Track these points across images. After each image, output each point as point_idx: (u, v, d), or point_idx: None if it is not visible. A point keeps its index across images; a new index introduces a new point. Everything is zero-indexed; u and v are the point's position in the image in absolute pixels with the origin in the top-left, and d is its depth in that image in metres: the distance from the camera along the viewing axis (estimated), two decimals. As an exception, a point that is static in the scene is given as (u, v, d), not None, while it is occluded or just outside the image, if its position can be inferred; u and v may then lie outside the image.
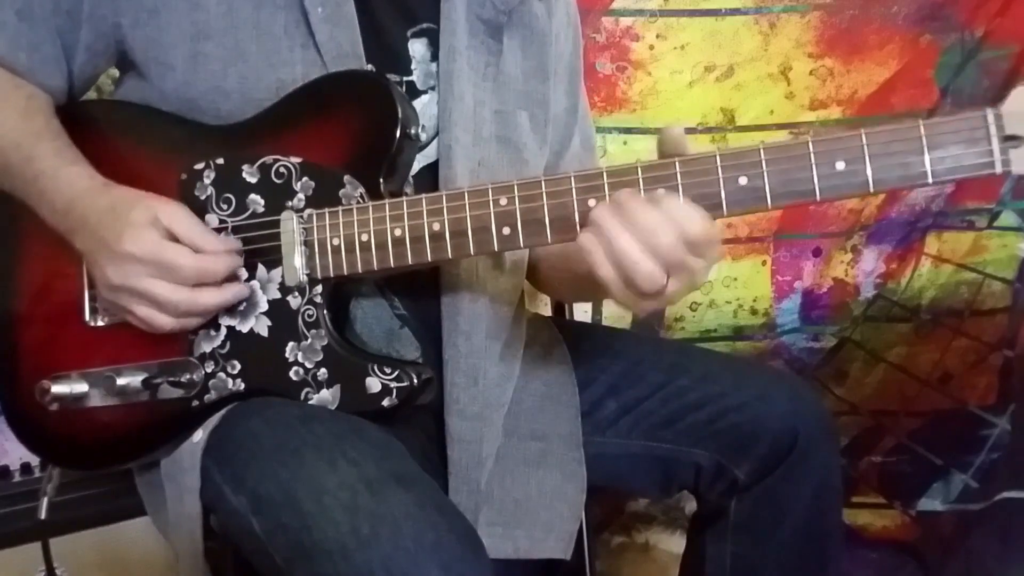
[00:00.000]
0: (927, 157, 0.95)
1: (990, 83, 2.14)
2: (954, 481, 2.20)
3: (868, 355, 2.25)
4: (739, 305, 2.20)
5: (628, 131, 2.13)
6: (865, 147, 0.96)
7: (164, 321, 1.14)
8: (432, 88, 1.28)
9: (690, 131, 2.15)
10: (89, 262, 1.18)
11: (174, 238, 1.13)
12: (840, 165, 0.96)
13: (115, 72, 1.36)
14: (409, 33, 1.28)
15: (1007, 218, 2.19)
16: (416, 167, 1.26)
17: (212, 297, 1.14)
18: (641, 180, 1.02)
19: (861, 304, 2.24)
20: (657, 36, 2.11)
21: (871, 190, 0.96)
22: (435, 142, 1.27)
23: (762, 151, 0.98)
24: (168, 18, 1.21)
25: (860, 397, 2.25)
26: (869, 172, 0.96)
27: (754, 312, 2.21)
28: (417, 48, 1.28)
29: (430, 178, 1.26)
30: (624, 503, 2.27)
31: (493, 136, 1.30)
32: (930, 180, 0.95)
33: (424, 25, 1.29)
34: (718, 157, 0.99)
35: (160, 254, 1.11)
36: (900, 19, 2.14)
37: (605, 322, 2.14)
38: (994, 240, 2.19)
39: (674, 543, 2.25)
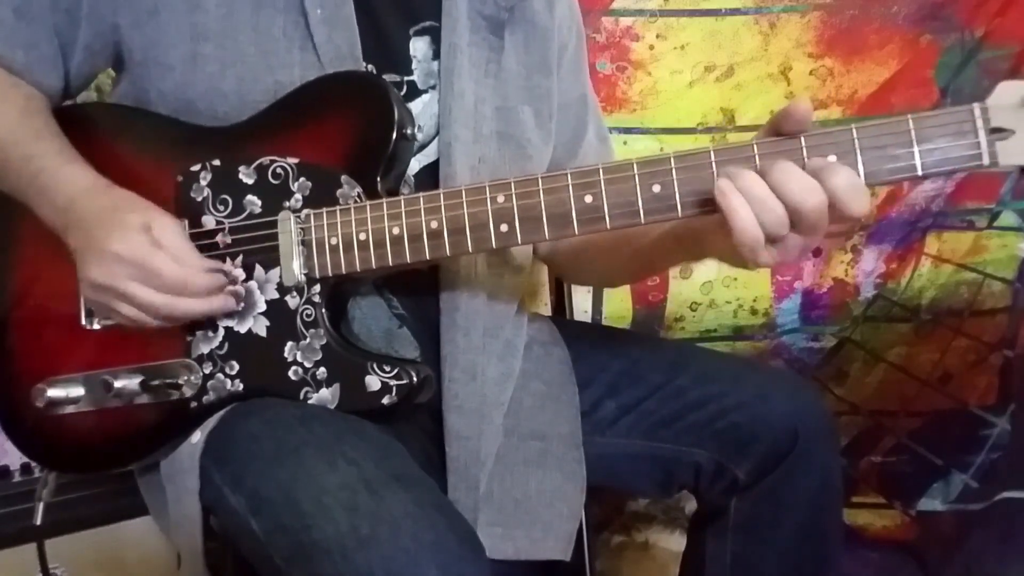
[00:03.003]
0: (916, 150, 0.95)
1: (990, 83, 2.12)
2: (954, 481, 2.20)
3: (868, 355, 2.25)
4: (739, 305, 2.20)
5: (628, 131, 2.13)
6: (855, 141, 0.96)
7: (147, 320, 1.14)
8: (433, 87, 1.28)
9: (690, 131, 2.15)
10: (78, 260, 1.17)
11: (160, 249, 1.13)
12: (831, 159, 0.97)
13: (115, 73, 1.36)
14: (411, 32, 1.28)
15: (1007, 218, 2.18)
16: (416, 167, 1.26)
17: (194, 305, 1.14)
18: (637, 176, 1.02)
19: (861, 304, 2.23)
20: (657, 36, 2.11)
21: (863, 183, 0.96)
22: (435, 142, 1.27)
23: (755, 147, 0.98)
24: (168, 19, 1.22)
25: (860, 397, 2.25)
26: (860, 166, 0.96)
27: (754, 312, 2.21)
28: (419, 47, 1.28)
29: (431, 178, 1.26)
30: (624, 503, 2.27)
31: (494, 133, 1.30)
32: (920, 173, 0.96)
33: (426, 23, 1.29)
34: (712, 153, 0.99)
35: (143, 258, 1.11)
36: (900, 19, 2.14)
37: (605, 322, 2.15)
38: (994, 240, 2.19)
39: (674, 542, 2.25)
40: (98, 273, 1.13)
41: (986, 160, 0.94)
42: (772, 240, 0.97)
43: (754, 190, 0.95)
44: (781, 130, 1.00)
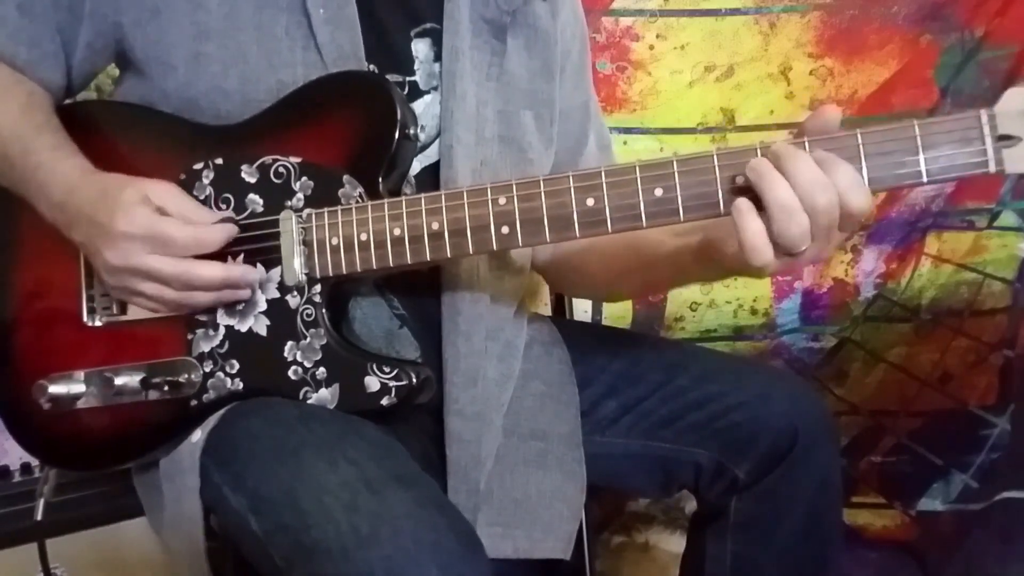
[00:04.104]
0: (922, 157, 0.95)
1: (990, 83, 2.14)
2: (954, 481, 2.20)
3: (868, 355, 2.25)
4: (739, 305, 2.20)
5: (628, 131, 2.13)
6: (861, 147, 0.96)
7: (172, 295, 1.14)
8: (434, 88, 1.28)
9: (690, 131, 2.15)
10: (88, 251, 1.18)
11: (166, 215, 1.13)
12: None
13: (115, 72, 1.36)
14: (412, 33, 1.28)
15: (1007, 218, 2.19)
16: (417, 167, 1.26)
17: (216, 271, 1.14)
18: (639, 179, 1.02)
19: (861, 304, 2.24)
20: (657, 36, 2.12)
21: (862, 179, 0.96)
22: (436, 143, 1.27)
23: (759, 152, 0.98)
24: (170, 18, 1.21)
25: (860, 397, 2.25)
26: (865, 171, 0.96)
27: (754, 312, 2.21)
28: (420, 48, 1.28)
29: (432, 179, 1.25)
30: (624, 503, 2.27)
31: (496, 136, 1.29)
32: (925, 180, 0.95)
33: (427, 25, 1.28)
34: (715, 157, 0.99)
35: (153, 228, 1.11)
36: (900, 19, 2.15)
37: (605, 322, 2.15)
38: (994, 240, 2.19)
39: (674, 543, 2.25)
40: (112, 256, 1.13)
41: (992, 168, 0.94)
42: (783, 250, 0.97)
43: (783, 197, 0.95)
44: (807, 131, 1.00)
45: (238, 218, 1.18)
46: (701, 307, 2.19)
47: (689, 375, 1.37)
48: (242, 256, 1.17)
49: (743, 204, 0.97)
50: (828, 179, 0.94)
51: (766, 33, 2.14)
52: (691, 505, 1.60)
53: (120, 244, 1.12)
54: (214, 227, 1.14)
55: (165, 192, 1.15)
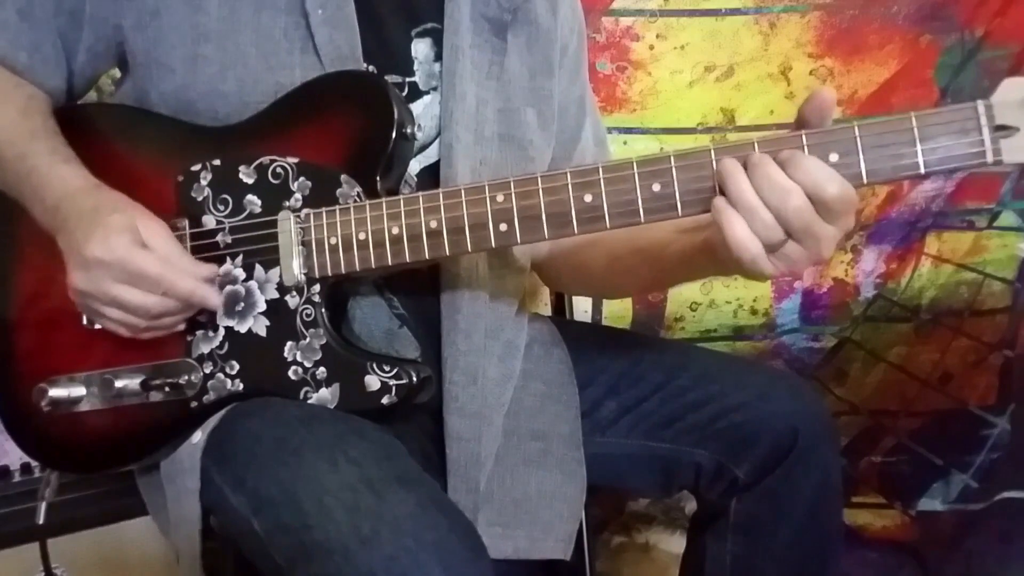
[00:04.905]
0: (919, 148, 0.95)
1: (990, 83, 2.12)
2: (954, 481, 2.20)
3: (868, 355, 2.25)
4: (739, 305, 2.20)
5: (628, 131, 2.13)
6: (858, 139, 0.96)
7: (135, 322, 1.14)
8: (434, 88, 1.28)
9: (690, 131, 2.15)
10: (66, 263, 1.16)
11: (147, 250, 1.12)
12: (833, 157, 0.96)
13: (116, 73, 1.36)
14: (413, 33, 1.28)
15: (1007, 218, 2.19)
16: (417, 167, 1.26)
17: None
18: (637, 175, 1.02)
19: (861, 304, 2.24)
20: (657, 36, 2.11)
21: (864, 181, 0.96)
22: (436, 143, 1.27)
23: (756, 145, 0.98)
24: (169, 20, 1.22)
25: (860, 397, 2.25)
26: (862, 164, 0.96)
27: (754, 312, 2.21)
28: (420, 48, 1.28)
29: (432, 179, 1.25)
30: (624, 503, 2.27)
31: (496, 135, 1.29)
32: (922, 171, 0.95)
33: (428, 25, 1.28)
34: (713, 151, 0.99)
35: (125, 258, 1.10)
36: (900, 19, 2.14)
37: (605, 322, 2.15)
38: (994, 240, 2.19)
39: (674, 543, 2.25)
40: (79, 279, 1.12)
41: (990, 158, 0.94)
42: (771, 249, 0.97)
43: (744, 198, 0.96)
44: (805, 116, 1.00)
45: (236, 219, 1.18)
46: (701, 307, 2.20)
47: (689, 375, 1.36)
48: (241, 256, 1.17)
49: (719, 202, 0.98)
50: (791, 181, 0.94)
51: (766, 33, 2.14)
52: (691, 505, 1.60)
53: (89, 268, 1.11)
54: (185, 277, 1.13)
55: (154, 230, 1.14)
